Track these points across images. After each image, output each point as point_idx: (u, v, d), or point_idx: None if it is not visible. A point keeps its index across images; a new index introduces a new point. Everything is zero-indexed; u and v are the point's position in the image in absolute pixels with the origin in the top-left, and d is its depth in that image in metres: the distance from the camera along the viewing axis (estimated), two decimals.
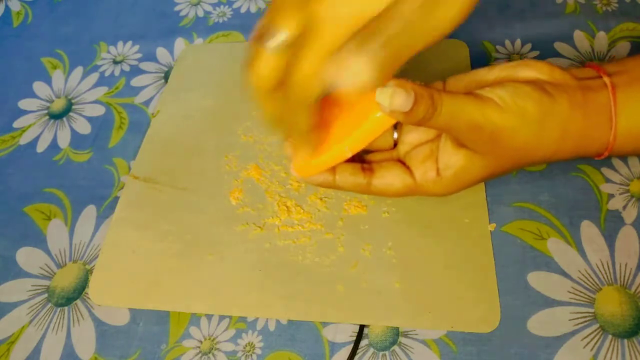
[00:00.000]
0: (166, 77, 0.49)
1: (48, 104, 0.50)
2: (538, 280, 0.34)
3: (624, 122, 0.31)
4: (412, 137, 0.35)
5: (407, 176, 0.34)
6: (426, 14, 0.27)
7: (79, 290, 0.38)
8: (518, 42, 0.46)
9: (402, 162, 0.35)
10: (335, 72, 0.27)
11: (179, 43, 0.52)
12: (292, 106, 0.30)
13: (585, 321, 0.33)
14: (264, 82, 0.30)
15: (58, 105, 0.49)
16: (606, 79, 0.31)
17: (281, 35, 0.28)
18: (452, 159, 0.32)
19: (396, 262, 0.36)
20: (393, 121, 0.29)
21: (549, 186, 0.38)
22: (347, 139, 0.30)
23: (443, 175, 0.32)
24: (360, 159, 0.36)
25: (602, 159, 0.33)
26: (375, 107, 0.28)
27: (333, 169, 0.34)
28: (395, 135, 0.36)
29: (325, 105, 0.34)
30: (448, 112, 0.28)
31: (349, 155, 0.31)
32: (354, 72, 0.26)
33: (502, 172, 0.33)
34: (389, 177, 0.34)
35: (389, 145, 0.37)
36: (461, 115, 0.28)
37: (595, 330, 0.32)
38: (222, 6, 0.54)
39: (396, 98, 0.27)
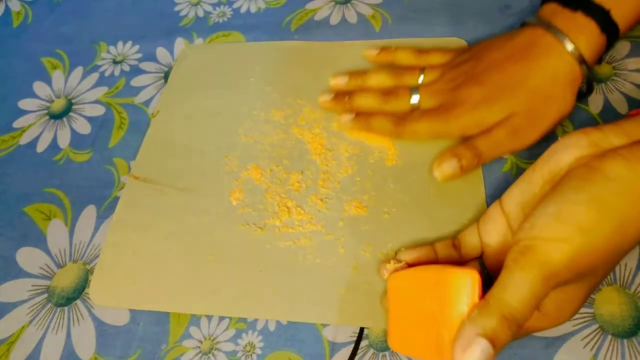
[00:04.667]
0: (166, 77, 0.49)
1: (48, 104, 0.50)
2: None
3: None
4: None
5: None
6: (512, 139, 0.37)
7: (79, 290, 0.38)
8: None
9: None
10: None
11: (179, 43, 0.52)
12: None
13: (585, 321, 0.33)
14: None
15: (58, 105, 0.49)
16: None
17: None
18: (547, 302, 0.28)
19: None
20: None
21: None
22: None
23: (544, 312, 0.29)
24: None
25: None
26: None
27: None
28: None
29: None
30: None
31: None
32: None
33: (601, 279, 0.29)
34: None
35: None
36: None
37: (595, 330, 0.32)
38: (222, 6, 0.54)
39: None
